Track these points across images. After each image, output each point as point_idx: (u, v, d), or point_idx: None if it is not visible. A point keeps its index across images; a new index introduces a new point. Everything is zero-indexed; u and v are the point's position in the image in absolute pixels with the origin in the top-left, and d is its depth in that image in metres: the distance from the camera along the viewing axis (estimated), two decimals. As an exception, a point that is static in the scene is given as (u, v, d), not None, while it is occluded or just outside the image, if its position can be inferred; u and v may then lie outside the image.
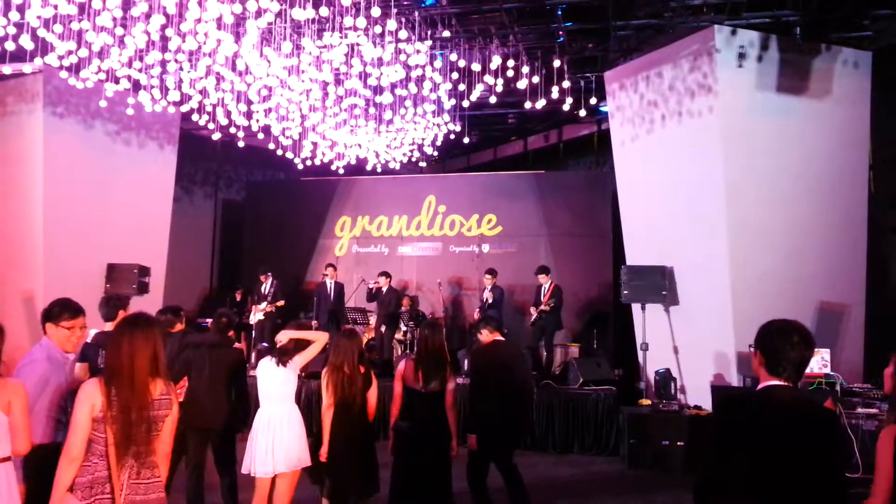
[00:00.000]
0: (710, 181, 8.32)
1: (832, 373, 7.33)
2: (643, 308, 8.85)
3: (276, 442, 4.52)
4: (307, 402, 9.14)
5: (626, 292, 8.88)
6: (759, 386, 2.53)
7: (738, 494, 2.37)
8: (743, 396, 2.76)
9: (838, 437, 2.42)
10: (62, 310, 3.74)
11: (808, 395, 2.25)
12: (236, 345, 6.02)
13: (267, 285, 11.19)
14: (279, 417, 4.60)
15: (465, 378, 9.32)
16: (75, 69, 7.74)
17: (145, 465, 3.03)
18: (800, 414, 2.42)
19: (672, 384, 8.33)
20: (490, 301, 10.27)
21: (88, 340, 5.09)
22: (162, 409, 3.08)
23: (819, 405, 2.50)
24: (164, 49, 7.56)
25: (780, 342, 2.48)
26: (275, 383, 4.66)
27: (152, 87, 8.25)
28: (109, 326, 5.14)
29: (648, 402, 8.31)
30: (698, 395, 8.34)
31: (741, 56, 8.05)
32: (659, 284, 8.70)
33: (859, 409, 6.68)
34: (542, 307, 9.87)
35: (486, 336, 5.43)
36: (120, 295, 6.02)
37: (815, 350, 3.00)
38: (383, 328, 10.60)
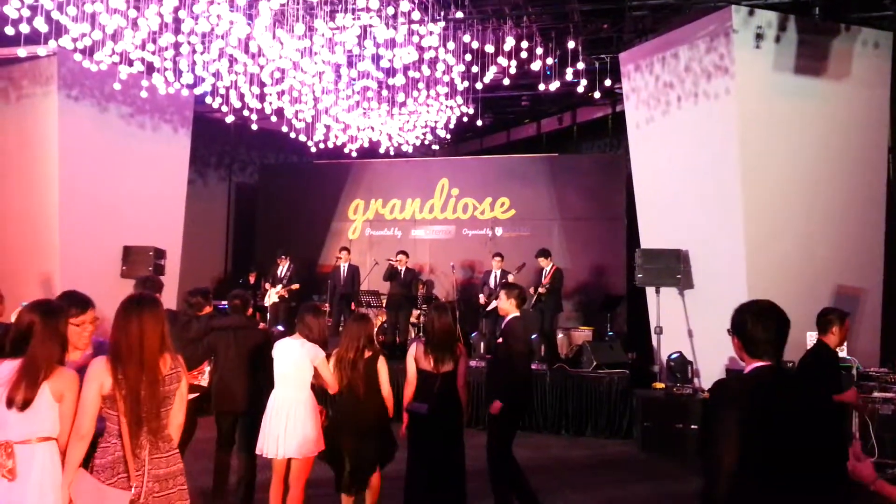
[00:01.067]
0: (726, 164, 8.23)
1: (849, 357, 7.27)
2: (657, 291, 8.81)
3: (290, 427, 4.52)
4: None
5: (640, 276, 8.84)
6: (746, 369, 2.54)
7: (750, 482, 2.35)
8: (734, 381, 2.77)
9: (832, 413, 2.44)
10: (69, 303, 3.39)
11: (792, 374, 2.29)
12: (261, 325, 6.03)
13: (284, 268, 11.23)
14: (295, 402, 4.59)
15: (479, 361, 9.39)
16: (89, 52, 7.74)
17: (162, 439, 3.10)
18: (791, 394, 2.45)
19: (687, 368, 8.31)
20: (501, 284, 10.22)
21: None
22: (172, 384, 3.14)
23: (805, 383, 2.52)
24: (178, 31, 7.56)
25: (753, 324, 2.50)
26: (294, 367, 4.66)
27: (166, 69, 8.26)
28: None
29: (662, 385, 8.30)
30: (712, 379, 8.29)
31: (759, 37, 7.92)
32: (673, 268, 8.65)
33: (876, 394, 6.63)
34: (540, 289, 9.75)
35: (508, 306, 5.29)
36: (153, 277, 5.98)
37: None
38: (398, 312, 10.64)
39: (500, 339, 5.31)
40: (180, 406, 3.22)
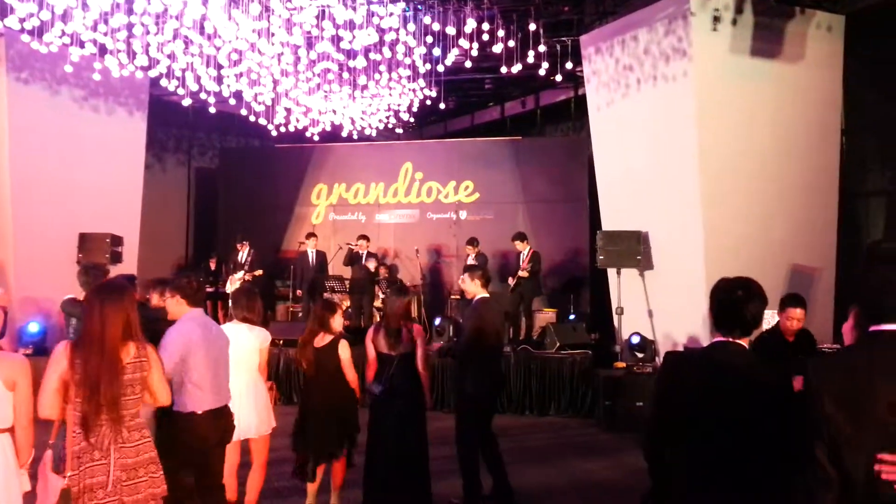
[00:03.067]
0: (684, 146, 8.33)
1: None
2: (618, 273, 8.93)
3: (245, 409, 4.55)
4: (286, 370, 9.19)
5: (601, 257, 8.93)
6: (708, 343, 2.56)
7: (679, 451, 2.39)
8: (684, 354, 2.80)
9: (780, 399, 2.36)
10: None
11: (756, 355, 2.25)
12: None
13: (243, 254, 11.08)
14: (246, 385, 4.66)
15: (443, 342, 9.43)
16: (38, 33, 7.51)
17: (131, 428, 3.09)
18: (739, 373, 2.39)
19: (647, 347, 8.45)
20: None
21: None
22: (136, 373, 3.11)
23: (763, 365, 2.50)
24: (130, 12, 7.35)
25: (724, 299, 2.49)
26: (244, 351, 4.64)
27: (119, 51, 8.04)
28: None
29: (623, 364, 8.43)
30: (672, 358, 8.46)
31: (716, 19, 8.02)
32: (634, 249, 8.76)
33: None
34: (521, 273, 9.92)
35: (473, 288, 5.28)
36: (98, 264, 5.84)
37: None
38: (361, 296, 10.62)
39: (463, 321, 5.35)
40: (157, 386, 3.24)
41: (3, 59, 9.00)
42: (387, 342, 4.80)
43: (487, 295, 5.32)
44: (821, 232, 8.63)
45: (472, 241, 10.59)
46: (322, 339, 4.87)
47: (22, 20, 7.11)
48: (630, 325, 8.75)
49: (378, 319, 10.68)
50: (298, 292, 11.30)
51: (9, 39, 8.79)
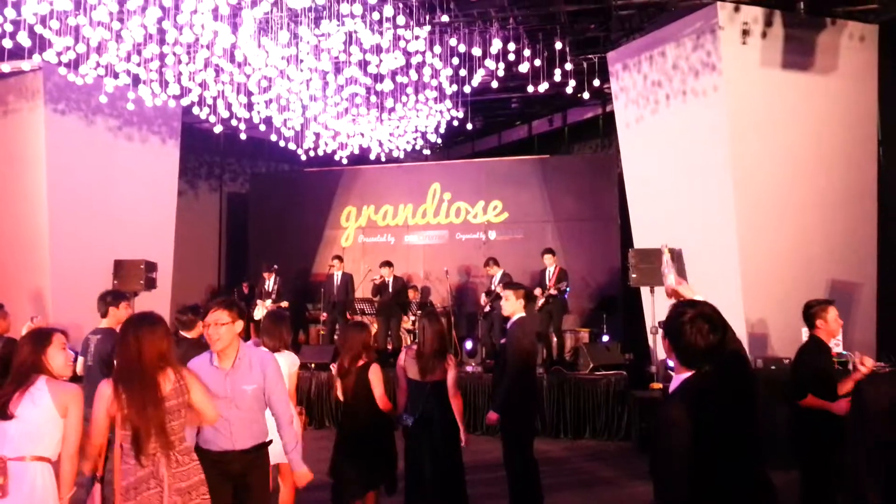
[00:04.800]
0: (716, 161, 8.21)
1: (845, 352, 7.24)
2: (652, 291, 8.78)
3: (275, 434, 4.49)
4: (318, 393, 9.18)
5: (634, 276, 8.80)
6: (674, 380, 2.48)
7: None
8: (678, 398, 2.68)
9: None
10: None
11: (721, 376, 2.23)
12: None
13: (270, 282, 11.12)
14: None
15: (475, 366, 9.36)
16: (74, 65, 7.70)
17: (179, 452, 3.14)
18: (723, 396, 2.34)
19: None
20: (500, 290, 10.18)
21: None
22: (179, 397, 3.15)
23: (735, 380, 2.43)
24: (162, 42, 7.52)
25: (682, 331, 2.34)
26: None
27: (152, 81, 8.21)
28: (105, 323, 5.09)
29: (659, 385, 8.25)
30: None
31: (745, 33, 7.93)
32: (667, 267, 8.60)
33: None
34: (551, 290, 9.78)
35: (515, 306, 5.12)
36: (118, 291, 5.79)
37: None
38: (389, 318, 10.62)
39: (504, 342, 5.14)
40: (205, 405, 3.23)
41: (40, 92, 9.24)
42: (419, 369, 4.73)
43: (525, 314, 5.21)
44: (860, 246, 8.40)
45: (493, 261, 10.52)
46: (356, 364, 4.77)
47: (59, 53, 7.31)
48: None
49: (408, 344, 10.67)
50: (324, 315, 11.33)
51: (46, 72, 9.02)
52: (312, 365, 9.28)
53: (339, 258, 11.33)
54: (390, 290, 10.69)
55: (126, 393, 3.03)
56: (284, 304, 10.91)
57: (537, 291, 9.74)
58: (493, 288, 10.36)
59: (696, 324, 2.30)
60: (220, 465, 3.42)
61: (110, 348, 4.64)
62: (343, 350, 4.86)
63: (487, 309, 10.39)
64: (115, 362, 3.23)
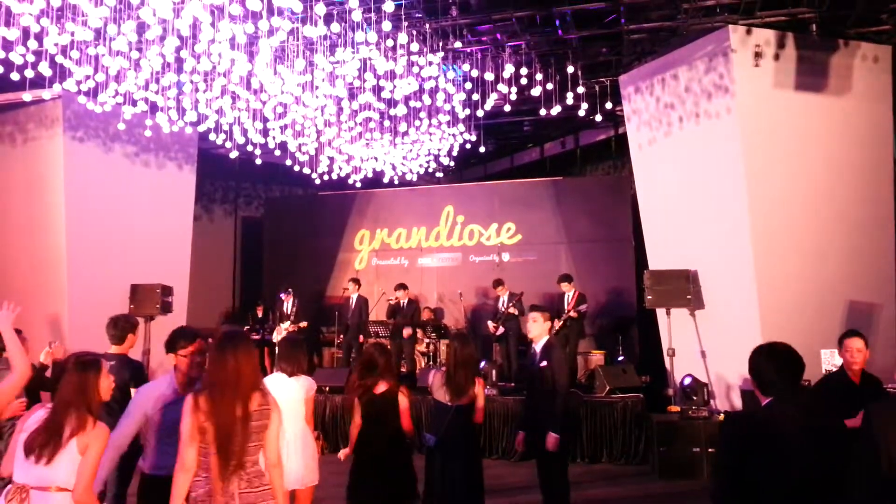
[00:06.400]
0: (731, 182, 8.20)
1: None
2: (668, 313, 8.73)
3: (292, 460, 4.51)
4: (332, 417, 9.15)
5: (649, 297, 8.76)
6: (763, 404, 2.68)
7: None
8: (747, 415, 3.01)
9: (846, 445, 2.50)
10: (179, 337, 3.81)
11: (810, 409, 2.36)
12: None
13: (288, 304, 11.17)
14: (294, 435, 4.61)
15: (490, 389, 9.29)
16: (93, 93, 7.84)
17: (255, 475, 3.14)
18: (805, 427, 2.53)
19: (701, 390, 8.19)
20: (511, 311, 10.15)
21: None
22: (261, 420, 3.16)
23: (824, 417, 2.63)
24: (180, 70, 7.64)
25: (765, 365, 2.68)
26: (291, 401, 4.63)
27: (169, 108, 8.34)
28: (115, 349, 4.85)
29: (677, 408, 8.17)
30: (728, 400, 8.19)
31: (757, 55, 7.94)
32: (683, 288, 8.57)
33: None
34: (570, 314, 9.74)
35: (543, 329, 5.09)
36: (129, 316, 5.45)
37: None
38: (405, 334, 10.61)
39: (544, 364, 5.03)
40: (274, 443, 3.22)
41: (60, 120, 9.40)
42: (448, 392, 4.69)
43: (548, 336, 5.20)
44: (878, 266, 8.33)
45: (499, 282, 10.52)
46: (379, 387, 4.73)
47: (79, 82, 7.44)
48: (682, 367, 8.51)
49: (425, 365, 10.65)
50: (340, 338, 11.34)
51: (66, 101, 9.18)
52: (327, 388, 9.27)
53: (356, 281, 11.36)
54: (404, 310, 10.69)
55: (218, 409, 3.05)
56: (304, 324, 10.96)
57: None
58: (501, 308, 10.34)
59: (771, 358, 2.69)
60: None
61: (127, 377, 4.56)
62: (363, 373, 4.81)
63: (501, 331, 10.35)
64: (202, 376, 3.23)
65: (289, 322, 10.93)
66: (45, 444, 3.02)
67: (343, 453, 4.75)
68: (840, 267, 8.12)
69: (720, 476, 2.73)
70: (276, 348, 11.07)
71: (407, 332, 10.63)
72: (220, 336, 3.29)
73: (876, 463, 2.31)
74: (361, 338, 10.84)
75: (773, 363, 2.66)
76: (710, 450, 7.43)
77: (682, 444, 7.60)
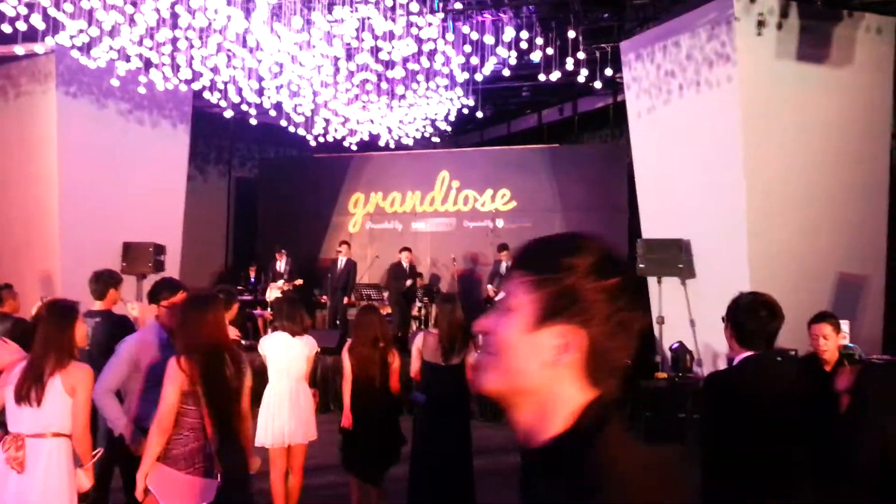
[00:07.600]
0: (728, 152, 8.18)
1: (851, 344, 7.23)
2: (659, 282, 8.79)
3: (294, 416, 4.67)
4: (322, 377, 9.23)
5: (641, 266, 8.80)
6: (735, 360, 2.67)
7: (739, 467, 2.45)
8: (721, 374, 3.03)
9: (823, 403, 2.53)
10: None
11: (778, 361, 2.35)
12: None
13: (282, 263, 11.20)
14: (296, 392, 4.75)
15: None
16: (87, 48, 7.71)
17: (233, 432, 3.25)
18: (779, 378, 2.62)
19: (688, 357, 8.29)
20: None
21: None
22: (241, 377, 3.28)
23: (795, 367, 2.68)
24: (175, 26, 7.52)
25: (746, 316, 2.63)
26: (293, 360, 4.71)
27: (164, 65, 8.22)
28: (98, 305, 4.71)
29: (664, 375, 8.29)
30: (714, 368, 8.30)
31: (760, 24, 7.86)
32: (676, 258, 8.62)
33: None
34: None
35: None
36: (112, 272, 5.14)
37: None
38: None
39: None
40: (247, 396, 3.33)
41: (53, 75, 9.26)
42: (440, 352, 4.74)
43: None
44: (870, 238, 8.39)
45: (504, 247, 10.54)
46: (371, 347, 4.78)
47: (72, 36, 7.31)
48: (671, 335, 8.61)
49: (417, 328, 10.72)
50: (323, 298, 11.40)
51: (59, 55, 9.02)
52: (318, 349, 9.32)
53: (347, 244, 11.38)
54: (406, 273, 10.74)
55: (202, 371, 3.11)
56: (299, 281, 11.00)
57: None
58: (502, 273, 10.38)
59: (750, 308, 2.63)
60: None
61: (109, 333, 4.46)
62: (357, 332, 4.88)
63: (501, 296, 10.38)
64: (181, 338, 3.21)
65: (282, 280, 10.96)
66: (31, 387, 3.08)
67: (347, 421, 4.79)
68: (832, 238, 8.17)
69: (705, 448, 2.72)
70: (270, 308, 11.15)
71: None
72: (189, 299, 3.36)
73: (872, 445, 2.31)
74: (346, 299, 10.88)
75: (755, 315, 2.61)
76: (695, 416, 7.56)
77: (668, 410, 7.72)
